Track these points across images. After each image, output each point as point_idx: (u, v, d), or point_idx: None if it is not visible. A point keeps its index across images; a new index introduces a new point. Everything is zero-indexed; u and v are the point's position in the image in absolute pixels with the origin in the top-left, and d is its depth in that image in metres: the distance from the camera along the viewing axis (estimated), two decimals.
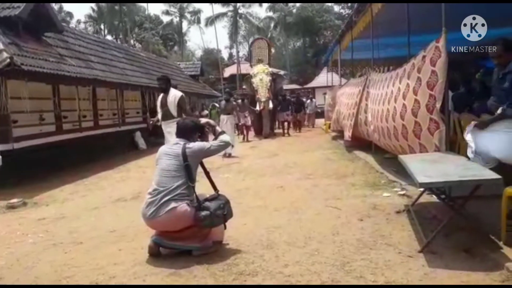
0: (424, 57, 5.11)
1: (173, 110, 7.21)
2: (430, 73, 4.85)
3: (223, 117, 11.78)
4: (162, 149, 3.84)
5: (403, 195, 5.28)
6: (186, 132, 3.83)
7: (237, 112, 13.87)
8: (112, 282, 3.18)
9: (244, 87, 17.79)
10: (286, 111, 17.09)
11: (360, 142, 9.75)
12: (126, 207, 5.69)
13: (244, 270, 3.22)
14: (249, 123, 15.74)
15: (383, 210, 4.67)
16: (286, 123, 17.29)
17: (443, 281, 2.88)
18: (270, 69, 16.91)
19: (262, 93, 15.59)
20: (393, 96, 6.18)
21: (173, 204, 3.46)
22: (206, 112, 18.98)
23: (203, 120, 4.19)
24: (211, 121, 4.25)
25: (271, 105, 15.66)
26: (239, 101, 15.93)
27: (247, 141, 14.98)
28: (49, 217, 5.46)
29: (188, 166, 3.57)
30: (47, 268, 3.55)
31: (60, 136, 9.95)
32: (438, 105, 4.75)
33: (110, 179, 8.48)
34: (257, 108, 15.63)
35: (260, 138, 15.78)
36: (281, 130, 17.63)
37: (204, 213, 3.49)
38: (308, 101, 22.11)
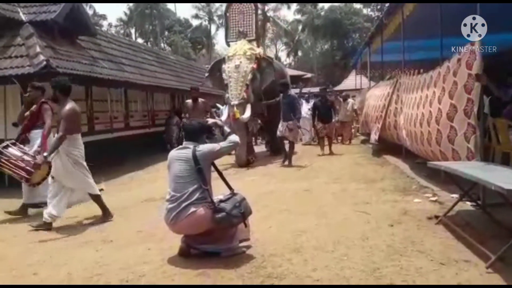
0: (459, 60, 4.99)
1: None
2: (467, 77, 4.73)
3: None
4: (172, 154, 3.82)
5: (435, 201, 5.15)
6: (194, 134, 3.82)
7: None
8: (142, 281, 3.23)
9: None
10: (288, 120, 8.99)
11: (389, 146, 9.58)
12: (154, 207, 5.74)
13: (272, 273, 3.20)
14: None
15: (414, 216, 4.56)
16: (288, 143, 9.32)
17: None
18: (258, 50, 10.08)
19: (234, 92, 9.19)
20: (428, 100, 6.04)
21: (192, 209, 3.48)
22: (215, 109, 16.71)
23: (210, 121, 4.17)
24: (219, 121, 4.21)
25: (247, 114, 9.09)
26: (189, 100, 9.45)
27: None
28: (81, 215, 5.60)
29: (200, 170, 3.57)
30: (79, 265, 3.64)
31: (92, 136, 10.19)
32: (475, 109, 4.61)
33: (140, 179, 8.64)
34: (223, 117, 9.32)
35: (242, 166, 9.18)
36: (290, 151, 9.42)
37: (220, 215, 3.48)
38: (341, 100, 14.02)
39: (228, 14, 11.17)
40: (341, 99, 14.01)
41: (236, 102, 9.06)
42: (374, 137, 10.00)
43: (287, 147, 9.36)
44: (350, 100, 13.96)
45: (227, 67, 9.46)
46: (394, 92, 8.86)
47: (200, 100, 9.23)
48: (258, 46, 10.44)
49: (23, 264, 3.78)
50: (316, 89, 27.77)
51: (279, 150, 10.07)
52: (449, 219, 4.21)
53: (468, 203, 4.66)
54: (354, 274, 3.10)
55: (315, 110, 11.03)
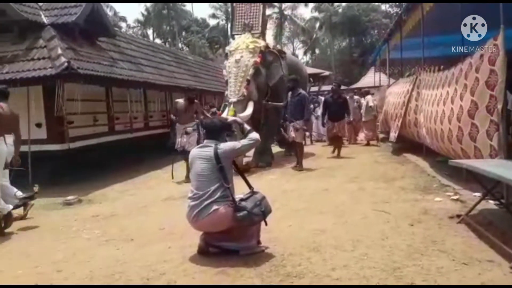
0: (481, 56, 4.88)
1: None
2: (489, 73, 4.63)
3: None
4: (194, 152, 3.84)
5: (457, 200, 5.06)
6: (215, 132, 3.83)
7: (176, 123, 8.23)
8: (162, 279, 3.27)
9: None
10: (296, 118, 8.33)
11: (409, 144, 9.45)
12: (174, 206, 5.82)
13: (291, 272, 3.21)
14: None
15: (435, 215, 4.49)
16: (297, 145, 8.64)
17: None
18: (263, 43, 9.10)
19: (232, 88, 8.36)
20: (449, 97, 5.93)
21: (215, 207, 3.52)
22: (215, 109, 13.26)
23: (230, 118, 4.16)
24: (239, 119, 4.18)
25: (248, 112, 8.13)
26: (180, 100, 8.35)
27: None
28: (102, 214, 5.70)
29: (222, 168, 3.59)
30: (101, 263, 3.71)
31: (112, 136, 10.35)
32: (499, 106, 4.51)
33: (159, 178, 8.73)
34: (225, 114, 7.91)
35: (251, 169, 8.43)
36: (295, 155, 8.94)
37: (242, 213, 3.51)
38: (358, 97, 13.67)
39: (234, 4, 10.35)
40: (358, 97, 13.57)
41: (234, 100, 8.20)
42: (393, 135, 9.89)
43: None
44: (368, 97, 13.00)
45: (228, 62, 8.71)
46: (414, 89, 8.73)
47: (195, 101, 8.57)
48: (264, 40, 9.58)
49: (48, 261, 3.87)
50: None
51: (262, 155, 9.04)
52: (472, 218, 4.14)
53: (491, 201, 4.56)
54: (374, 274, 3.07)
55: (326, 107, 10.30)
